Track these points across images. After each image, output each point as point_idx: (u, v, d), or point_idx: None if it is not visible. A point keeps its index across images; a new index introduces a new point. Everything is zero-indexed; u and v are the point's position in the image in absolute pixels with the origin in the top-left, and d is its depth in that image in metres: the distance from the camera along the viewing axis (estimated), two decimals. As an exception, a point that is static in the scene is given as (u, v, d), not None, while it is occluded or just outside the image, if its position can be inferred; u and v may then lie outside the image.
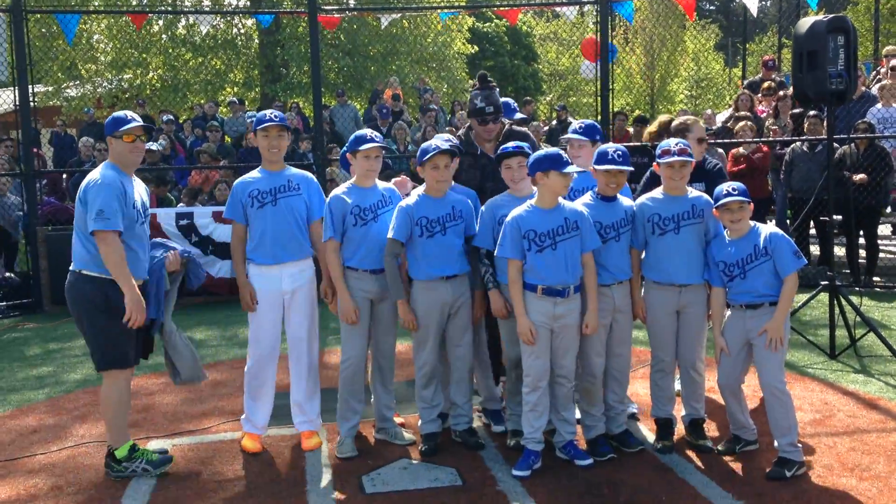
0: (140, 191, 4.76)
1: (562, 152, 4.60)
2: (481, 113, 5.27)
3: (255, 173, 5.11)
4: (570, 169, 4.52)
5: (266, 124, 4.97)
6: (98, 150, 11.90)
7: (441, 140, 4.92)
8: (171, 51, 20.27)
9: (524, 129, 5.61)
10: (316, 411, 5.21)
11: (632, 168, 4.74)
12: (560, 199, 4.65)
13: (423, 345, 4.95)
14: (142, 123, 4.68)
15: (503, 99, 5.64)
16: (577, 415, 4.89)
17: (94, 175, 4.55)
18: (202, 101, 18.50)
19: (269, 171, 5.08)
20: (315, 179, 5.27)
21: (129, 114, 4.74)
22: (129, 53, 20.25)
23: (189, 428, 5.51)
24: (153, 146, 12.00)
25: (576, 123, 5.32)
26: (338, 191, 4.96)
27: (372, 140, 4.89)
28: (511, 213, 4.62)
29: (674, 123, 5.64)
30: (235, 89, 21.64)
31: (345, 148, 5.19)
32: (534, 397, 4.63)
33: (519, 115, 6.08)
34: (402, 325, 4.94)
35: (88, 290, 4.54)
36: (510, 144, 4.90)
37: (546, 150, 4.65)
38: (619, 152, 4.67)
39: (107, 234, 4.38)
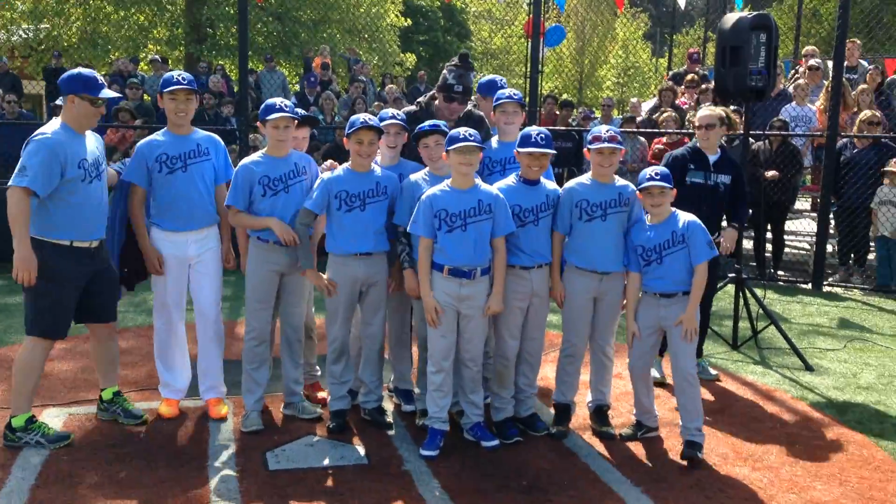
0: (92, 146, 4.61)
1: (455, 133, 4.54)
2: (449, 90, 5.19)
3: (159, 136, 4.92)
4: (459, 145, 4.47)
5: (174, 87, 4.79)
6: (7, 101, 11.34)
7: (369, 116, 4.84)
8: (91, 2, 19.44)
9: (481, 112, 5.54)
10: (220, 378, 5.14)
11: (554, 151, 4.77)
12: (477, 181, 4.65)
13: (334, 319, 4.90)
14: (114, 96, 4.66)
15: (491, 76, 5.55)
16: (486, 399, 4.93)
17: (38, 133, 4.43)
18: (122, 57, 17.84)
19: (175, 134, 4.91)
20: (221, 141, 5.14)
21: (100, 77, 4.60)
22: (47, 2, 19.36)
23: (88, 397, 5.32)
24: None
25: (507, 91, 5.15)
26: (247, 159, 4.85)
27: (281, 109, 4.76)
28: (427, 191, 4.60)
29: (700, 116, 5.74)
30: (159, 47, 20.93)
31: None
32: (439, 378, 4.65)
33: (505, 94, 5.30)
34: (318, 290, 4.88)
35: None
36: (426, 123, 4.86)
37: (456, 130, 4.59)
38: (542, 135, 4.67)
39: (15, 189, 4.27)
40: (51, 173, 4.33)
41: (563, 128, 11.75)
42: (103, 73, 17.01)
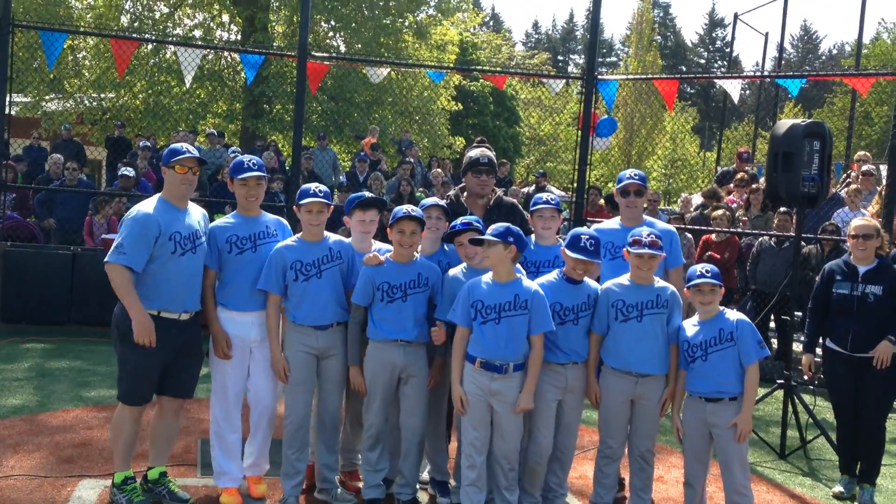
0: (192, 219, 4.74)
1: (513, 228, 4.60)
2: (476, 164, 5.30)
3: (229, 218, 5.01)
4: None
5: (245, 175, 4.88)
6: (68, 168, 11.70)
7: (411, 206, 4.91)
8: (156, 76, 20.20)
9: (513, 199, 5.62)
10: (265, 458, 5.07)
11: (600, 261, 4.81)
12: (521, 276, 4.66)
13: (370, 406, 4.87)
14: (195, 155, 4.75)
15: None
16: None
17: (136, 207, 4.67)
18: (181, 129, 18.39)
19: (245, 216, 4.99)
20: (288, 225, 5.20)
21: (185, 146, 4.80)
22: (113, 73, 20.14)
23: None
24: (127, 172, 11.86)
25: (545, 196, 5.29)
26: (281, 244, 4.90)
27: (315, 195, 4.83)
28: (471, 280, 4.63)
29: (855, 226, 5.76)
30: (217, 120, 21.58)
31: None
32: (472, 473, 4.59)
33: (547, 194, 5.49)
34: (352, 386, 4.88)
35: (119, 317, 4.62)
36: (458, 221, 4.90)
37: (501, 225, 4.62)
38: (592, 241, 4.67)
39: (112, 265, 4.49)
40: (144, 248, 4.51)
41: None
42: (163, 144, 17.56)
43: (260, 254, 4.89)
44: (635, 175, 5.29)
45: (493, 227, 4.61)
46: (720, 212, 10.54)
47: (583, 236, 4.68)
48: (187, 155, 4.69)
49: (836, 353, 5.83)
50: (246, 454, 5.06)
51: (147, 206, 4.65)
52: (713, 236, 10.40)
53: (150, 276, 4.58)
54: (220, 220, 5.03)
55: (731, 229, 10.33)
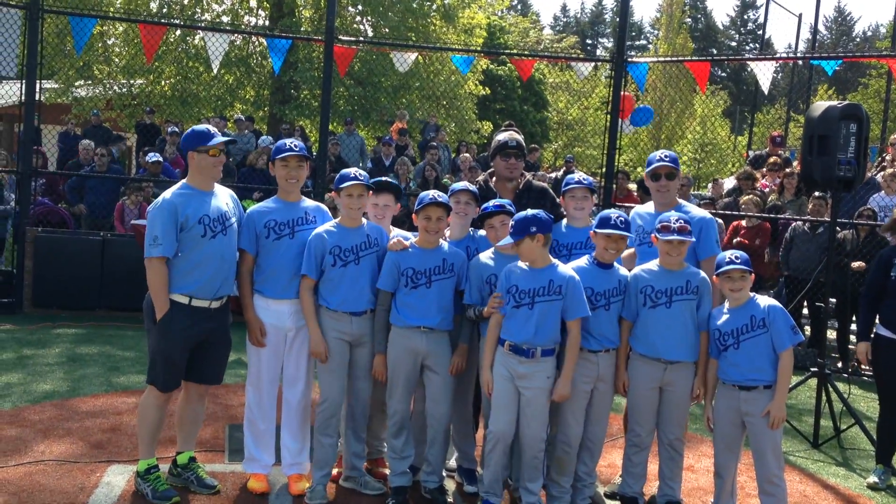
0: (220, 201, 4.72)
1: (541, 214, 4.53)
2: (504, 147, 5.23)
3: (269, 203, 4.97)
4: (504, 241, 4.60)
5: (286, 154, 4.83)
6: (98, 153, 11.78)
7: (438, 192, 4.85)
8: (185, 62, 20.26)
9: (543, 183, 5.55)
10: (306, 454, 5.03)
11: (632, 234, 4.72)
12: (554, 260, 4.60)
13: (393, 393, 4.85)
14: (223, 140, 4.72)
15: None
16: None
17: (160, 196, 4.64)
18: (210, 115, 18.44)
19: (285, 201, 4.95)
20: (328, 212, 5.14)
21: (211, 128, 4.77)
22: (142, 59, 20.24)
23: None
24: (155, 157, 11.92)
25: (577, 176, 5.20)
26: (320, 229, 4.84)
27: (355, 178, 4.78)
28: (508, 265, 4.58)
29: None
30: (244, 106, 21.62)
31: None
32: (494, 456, 4.58)
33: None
34: (373, 372, 4.86)
35: (151, 305, 4.60)
36: (491, 203, 4.84)
37: (529, 211, 4.56)
38: (622, 218, 4.61)
39: (152, 260, 4.51)
40: (173, 234, 4.51)
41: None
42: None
43: (298, 240, 4.83)
44: (666, 157, 5.10)
45: (511, 224, 4.54)
46: (749, 196, 10.38)
47: (612, 215, 4.62)
48: (217, 140, 4.65)
49: (889, 339, 5.71)
50: (283, 450, 5.00)
51: (171, 193, 4.63)
52: (743, 222, 10.23)
53: (183, 261, 4.57)
54: (260, 205, 4.98)
55: (761, 214, 10.14)
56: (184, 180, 4.74)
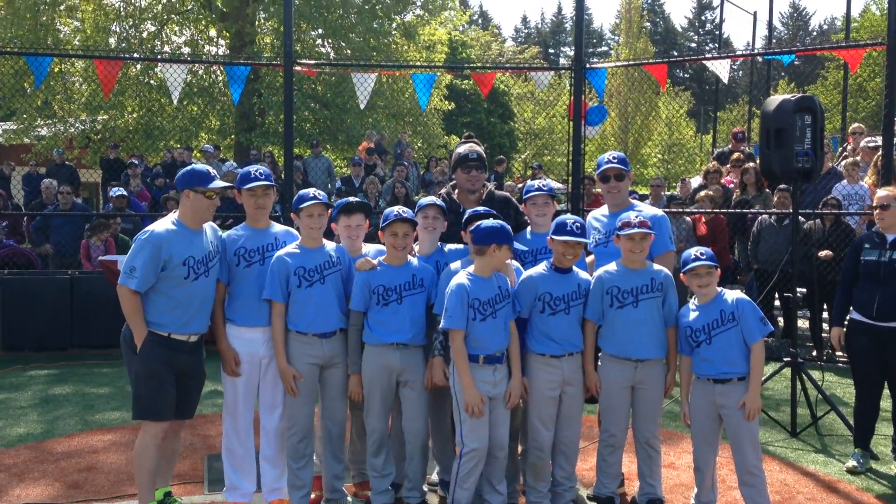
0: (205, 241, 4.64)
1: (507, 227, 4.58)
2: (465, 160, 5.24)
3: (239, 230, 4.92)
4: (517, 246, 4.63)
5: (252, 184, 4.79)
6: (61, 192, 11.67)
7: (403, 208, 4.86)
8: (147, 94, 20.18)
9: (505, 192, 5.58)
10: (285, 479, 4.96)
11: (589, 240, 4.76)
12: (510, 265, 4.70)
13: (370, 411, 4.83)
14: (223, 185, 4.65)
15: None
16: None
17: (149, 227, 4.56)
18: (176, 147, 18.36)
19: (254, 227, 4.91)
20: (299, 235, 5.07)
21: (211, 170, 4.70)
22: (103, 94, 20.13)
23: (131, 491, 5.26)
24: (119, 192, 11.84)
25: (536, 183, 5.28)
26: (281, 252, 4.82)
27: (315, 198, 4.78)
28: (453, 280, 4.57)
29: None
30: (210, 136, 21.55)
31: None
32: (476, 471, 4.55)
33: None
34: (349, 393, 4.84)
35: (130, 337, 4.52)
36: (482, 207, 4.88)
37: (499, 222, 4.60)
38: (578, 224, 4.65)
39: (124, 288, 4.44)
40: (152, 271, 4.44)
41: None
42: (156, 162, 17.53)
43: (268, 266, 4.80)
44: (614, 158, 5.15)
45: (472, 232, 4.58)
46: (703, 193, 10.63)
47: (567, 221, 4.66)
48: (217, 185, 4.58)
49: (860, 323, 5.78)
50: (267, 478, 4.95)
51: (161, 227, 4.54)
52: (702, 218, 10.44)
53: (163, 300, 4.50)
54: (229, 233, 4.93)
55: (717, 210, 10.38)
56: (175, 215, 4.64)
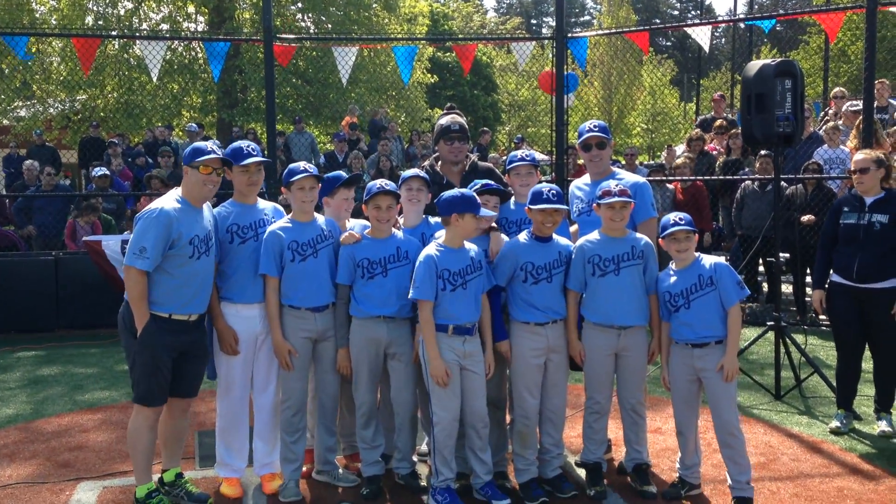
0: (206, 220, 4.60)
1: (475, 195, 4.60)
2: (447, 131, 5.24)
3: (227, 206, 4.86)
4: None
5: (246, 161, 4.72)
6: (46, 173, 11.59)
7: (385, 181, 4.86)
8: (126, 73, 19.96)
9: (488, 163, 5.59)
10: (276, 454, 4.99)
11: (567, 206, 4.78)
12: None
13: (359, 384, 4.86)
14: (220, 156, 4.57)
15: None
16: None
17: (154, 205, 4.46)
18: (158, 125, 18.20)
19: (243, 203, 4.87)
20: (284, 211, 5.05)
21: (209, 145, 4.62)
22: (83, 73, 19.90)
23: (122, 469, 5.30)
24: (101, 171, 11.76)
25: (519, 153, 5.28)
26: (274, 226, 4.81)
27: (305, 171, 4.76)
28: (423, 252, 4.59)
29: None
30: (192, 114, 21.38)
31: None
32: (450, 442, 4.57)
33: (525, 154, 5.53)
34: (337, 367, 4.86)
35: (129, 319, 4.45)
36: (479, 182, 4.89)
37: (460, 191, 4.62)
38: (554, 191, 4.66)
39: (132, 269, 4.34)
40: (161, 250, 4.36)
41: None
42: (137, 141, 17.37)
43: (261, 243, 4.78)
44: (595, 126, 5.16)
45: (440, 222, 4.63)
46: (679, 160, 10.71)
47: (543, 189, 4.67)
48: (212, 156, 4.51)
49: (840, 285, 5.85)
50: (258, 454, 4.98)
51: (168, 204, 4.45)
52: (679, 184, 10.50)
53: (166, 279, 4.43)
54: (217, 210, 4.85)
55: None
56: (179, 191, 4.58)
